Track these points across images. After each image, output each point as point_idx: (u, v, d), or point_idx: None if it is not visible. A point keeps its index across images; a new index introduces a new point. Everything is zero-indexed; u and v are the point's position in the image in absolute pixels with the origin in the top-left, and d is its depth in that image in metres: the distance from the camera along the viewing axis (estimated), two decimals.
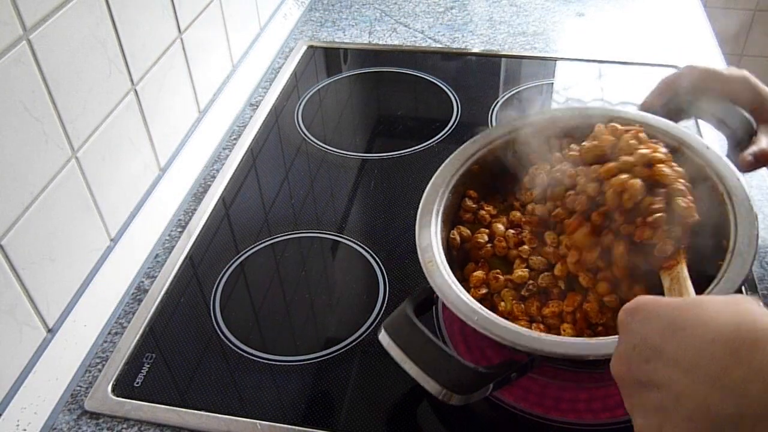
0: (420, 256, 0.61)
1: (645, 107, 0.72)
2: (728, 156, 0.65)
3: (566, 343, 0.53)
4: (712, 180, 0.62)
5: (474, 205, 0.69)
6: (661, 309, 0.40)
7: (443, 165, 0.69)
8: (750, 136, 0.67)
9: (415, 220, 0.64)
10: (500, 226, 0.67)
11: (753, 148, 0.65)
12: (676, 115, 0.71)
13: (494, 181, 0.71)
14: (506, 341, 0.53)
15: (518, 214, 0.68)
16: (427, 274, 0.59)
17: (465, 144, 0.71)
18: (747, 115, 0.68)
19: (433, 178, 0.68)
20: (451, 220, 0.68)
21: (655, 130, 0.66)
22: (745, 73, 0.70)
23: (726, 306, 0.38)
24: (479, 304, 0.57)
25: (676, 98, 0.71)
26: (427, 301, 0.60)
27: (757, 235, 0.57)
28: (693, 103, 0.70)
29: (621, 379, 0.42)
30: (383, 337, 0.57)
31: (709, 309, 0.38)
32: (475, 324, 0.55)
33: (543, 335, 0.54)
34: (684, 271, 0.56)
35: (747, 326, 0.36)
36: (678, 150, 0.64)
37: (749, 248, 0.56)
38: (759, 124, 0.67)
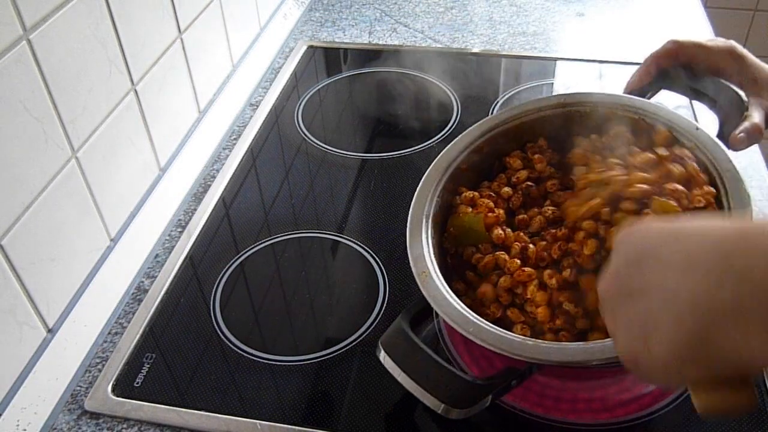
0: (413, 267, 0.60)
1: (629, 89, 0.70)
2: (719, 135, 0.62)
3: (565, 349, 0.53)
4: (704, 162, 0.60)
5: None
6: (662, 223, 0.38)
7: (428, 171, 0.69)
8: (741, 112, 0.63)
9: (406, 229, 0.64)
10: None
11: (745, 125, 0.62)
12: (671, 86, 0.68)
13: (483, 178, 0.72)
14: (501, 350, 0.53)
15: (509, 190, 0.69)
16: (421, 285, 0.59)
17: (448, 146, 0.71)
18: (736, 89, 0.64)
19: (420, 183, 0.68)
20: (442, 223, 0.68)
21: (646, 114, 0.65)
22: (732, 43, 0.66)
23: (732, 221, 0.36)
24: (474, 314, 0.56)
25: (664, 76, 0.68)
26: (426, 310, 0.60)
27: (751, 213, 0.56)
28: (679, 81, 0.67)
29: (607, 295, 0.40)
30: (381, 354, 0.56)
31: (715, 222, 0.36)
32: (470, 334, 0.54)
33: (540, 342, 0.54)
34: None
35: (754, 228, 0.34)
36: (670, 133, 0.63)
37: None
38: (749, 98, 0.64)
